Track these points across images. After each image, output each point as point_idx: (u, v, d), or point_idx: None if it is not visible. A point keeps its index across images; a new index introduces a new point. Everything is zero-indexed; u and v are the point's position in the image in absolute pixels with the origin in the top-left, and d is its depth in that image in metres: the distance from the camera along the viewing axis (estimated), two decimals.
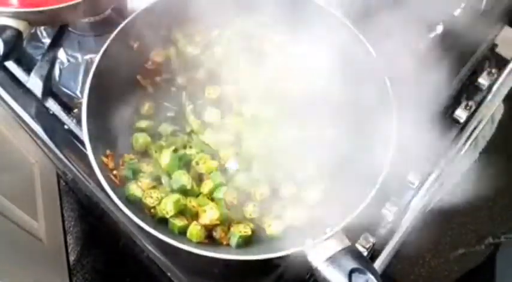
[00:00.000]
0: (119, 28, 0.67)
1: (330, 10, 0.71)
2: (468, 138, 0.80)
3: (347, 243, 0.57)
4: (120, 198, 0.57)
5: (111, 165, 0.65)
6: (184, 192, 0.65)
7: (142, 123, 0.71)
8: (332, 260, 0.55)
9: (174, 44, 0.76)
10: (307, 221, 0.66)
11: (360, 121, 0.70)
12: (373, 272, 0.53)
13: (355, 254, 0.56)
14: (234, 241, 0.63)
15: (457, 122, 0.83)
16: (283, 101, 0.72)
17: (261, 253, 0.57)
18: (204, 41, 0.77)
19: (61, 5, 0.66)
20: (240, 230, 0.63)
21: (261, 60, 0.76)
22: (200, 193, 0.67)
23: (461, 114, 0.83)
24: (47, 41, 0.84)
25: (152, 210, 0.64)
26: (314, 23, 0.72)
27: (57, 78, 0.82)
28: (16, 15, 0.66)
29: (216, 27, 0.77)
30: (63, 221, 1.57)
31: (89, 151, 0.59)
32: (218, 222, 0.64)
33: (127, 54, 0.71)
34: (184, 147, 0.70)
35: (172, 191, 0.65)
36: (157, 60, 0.75)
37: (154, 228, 0.56)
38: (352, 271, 0.53)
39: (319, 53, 0.73)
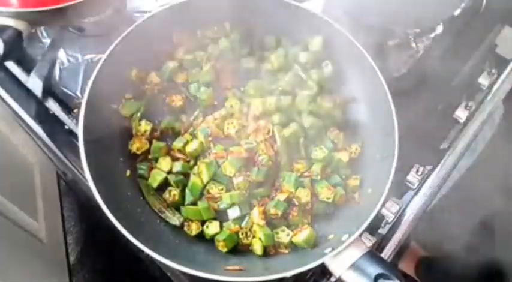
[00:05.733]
0: (124, 33, 0.68)
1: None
2: (468, 138, 0.80)
3: (366, 248, 0.56)
4: (111, 210, 0.57)
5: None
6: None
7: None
8: (355, 267, 0.54)
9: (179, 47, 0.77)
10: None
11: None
12: (399, 277, 0.52)
13: (378, 259, 0.55)
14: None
15: (457, 122, 0.83)
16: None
17: (280, 271, 0.56)
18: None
19: (61, 5, 0.66)
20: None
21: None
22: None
23: (461, 114, 0.83)
24: (47, 41, 0.84)
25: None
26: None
27: (57, 78, 0.82)
28: (16, 15, 0.66)
29: (220, 33, 0.78)
30: (63, 221, 1.57)
31: (83, 156, 0.59)
32: None
33: (132, 57, 0.71)
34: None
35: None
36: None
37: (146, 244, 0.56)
38: (377, 277, 0.52)
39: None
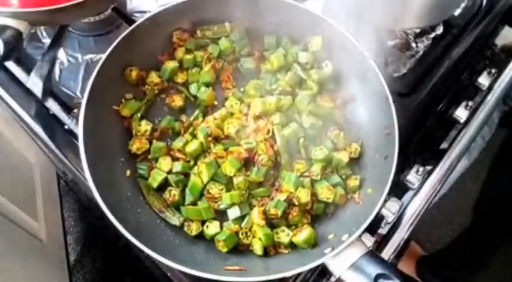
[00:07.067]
0: (124, 33, 0.68)
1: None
2: (468, 138, 0.80)
3: (366, 248, 0.56)
4: (111, 210, 0.57)
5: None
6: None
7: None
8: (355, 267, 0.54)
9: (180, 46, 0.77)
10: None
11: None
12: (399, 277, 0.52)
13: (378, 259, 0.55)
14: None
15: (457, 122, 0.83)
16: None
17: (280, 271, 0.55)
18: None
19: (61, 5, 0.65)
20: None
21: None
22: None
23: (461, 114, 0.83)
24: (47, 41, 0.84)
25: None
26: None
27: (57, 78, 0.82)
28: (16, 15, 0.66)
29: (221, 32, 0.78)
30: (63, 221, 1.57)
31: (83, 156, 0.59)
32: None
33: (132, 57, 0.71)
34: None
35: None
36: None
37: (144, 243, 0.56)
38: (377, 277, 0.52)
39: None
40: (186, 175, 0.68)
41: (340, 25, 0.71)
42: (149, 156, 0.69)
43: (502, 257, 1.28)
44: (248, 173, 0.66)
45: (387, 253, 0.71)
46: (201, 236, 0.65)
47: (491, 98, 0.84)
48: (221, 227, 0.65)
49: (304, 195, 0.65)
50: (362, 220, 0.58)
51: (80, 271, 1.54)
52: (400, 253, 1.43)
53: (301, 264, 0.55)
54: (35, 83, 0.74)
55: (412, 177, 0.76)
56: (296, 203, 0.65)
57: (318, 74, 0.74)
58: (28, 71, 0.76)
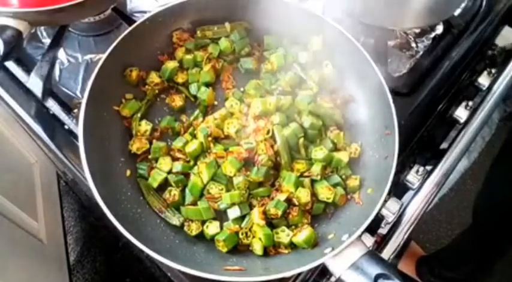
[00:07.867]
0: (124, 33, 0.68)
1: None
2: (468, 138, 0.80)
3: (366, 248, 0.56)
4: (111, 210, 0.57)
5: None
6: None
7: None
8: (355, 267, 0.54)
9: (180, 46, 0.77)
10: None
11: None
12: (399, 277, 0.52)
13: (378, 259, 0.55)
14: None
15: (457, 122, 0.83)
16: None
17: (280, 271, 0.56)
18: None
19: (61, 5, 0.66)
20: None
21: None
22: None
23: (461, 114, 0.83)
24: (47, 41, 0.84)
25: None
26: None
27: (57, 78, 0.82)
28: (16, 15, 0.66)
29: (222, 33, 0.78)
30: (63, 221, 1.57)
31: (83, 156, 0.59)
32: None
33: (132, 57, 0.71)
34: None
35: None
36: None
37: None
38: (377, 277, 0.52)
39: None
40: (186, 175, 0.68)
41: (340, 25, 0.71)
42: (149, 156, 0.69)
43: (502, 257, 1.28)
44: (248, 173, 0.66)
45: (387, 253, 0.71)
46: (201, 236, 0.65)
47: (491, 98, 0.84)
48: (221, 227, 0.65)
49: (304, 195, 0.65)
50: (362, 220, 0.58)
51: (80, 271, 1.55)
52: (400, 253, 1.44)
53: (301, 264, 0.55)
54: (35, 83, 0.74)
55: (412, 177, 0.76)
56: (296, 203, 0.65)
57: (318, 74, 0.74)
58: (28, 71, 0.76)
